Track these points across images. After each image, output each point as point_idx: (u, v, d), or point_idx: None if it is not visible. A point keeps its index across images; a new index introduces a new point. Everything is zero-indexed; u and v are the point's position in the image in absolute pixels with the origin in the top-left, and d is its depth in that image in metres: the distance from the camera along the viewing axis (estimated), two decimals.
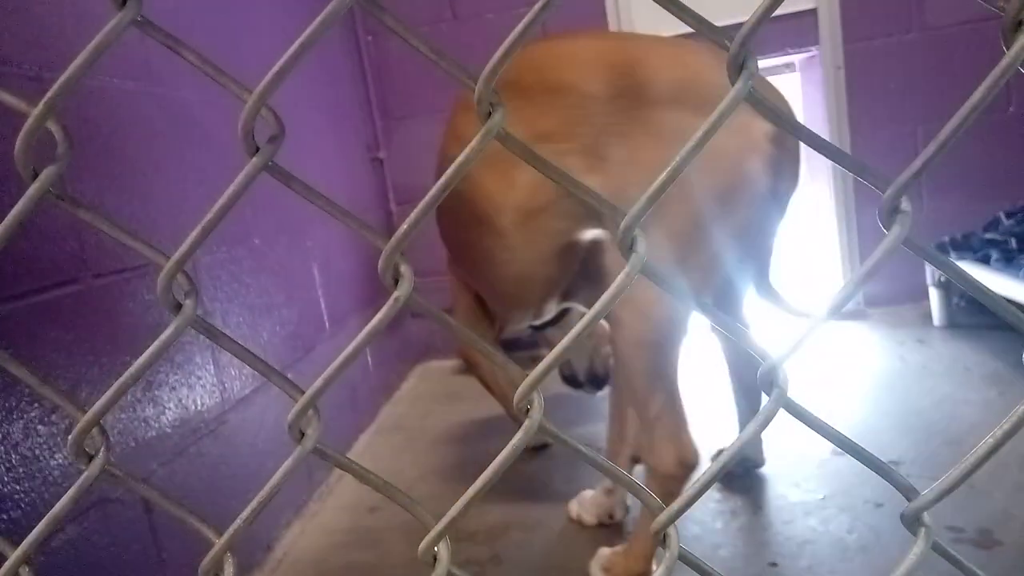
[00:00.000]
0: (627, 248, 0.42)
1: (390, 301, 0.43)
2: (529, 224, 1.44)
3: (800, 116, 3.30)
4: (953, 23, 2.81)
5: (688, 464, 1.41)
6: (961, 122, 0.37)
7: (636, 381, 1.40)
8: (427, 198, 0.42)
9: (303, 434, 0.46)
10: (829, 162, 3.05)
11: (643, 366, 1.39)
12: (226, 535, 0.48)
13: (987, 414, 2.04)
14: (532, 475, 2.08)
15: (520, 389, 0.44)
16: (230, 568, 0.48)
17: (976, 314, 2.73)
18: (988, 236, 2.53)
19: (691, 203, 1.27)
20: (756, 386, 1.58)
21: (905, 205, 0.39)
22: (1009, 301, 2.06)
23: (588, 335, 2.11)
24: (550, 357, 0.43)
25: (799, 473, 1.87)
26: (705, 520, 1.72)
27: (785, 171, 1.40)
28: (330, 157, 2.61)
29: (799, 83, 3.26)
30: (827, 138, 3.01)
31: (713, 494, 1.83)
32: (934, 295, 2.79)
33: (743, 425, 1.92)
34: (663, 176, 0.40)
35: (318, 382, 0.45)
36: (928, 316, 2.86)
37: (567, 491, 1.93)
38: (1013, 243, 2.38)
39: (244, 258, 1.84)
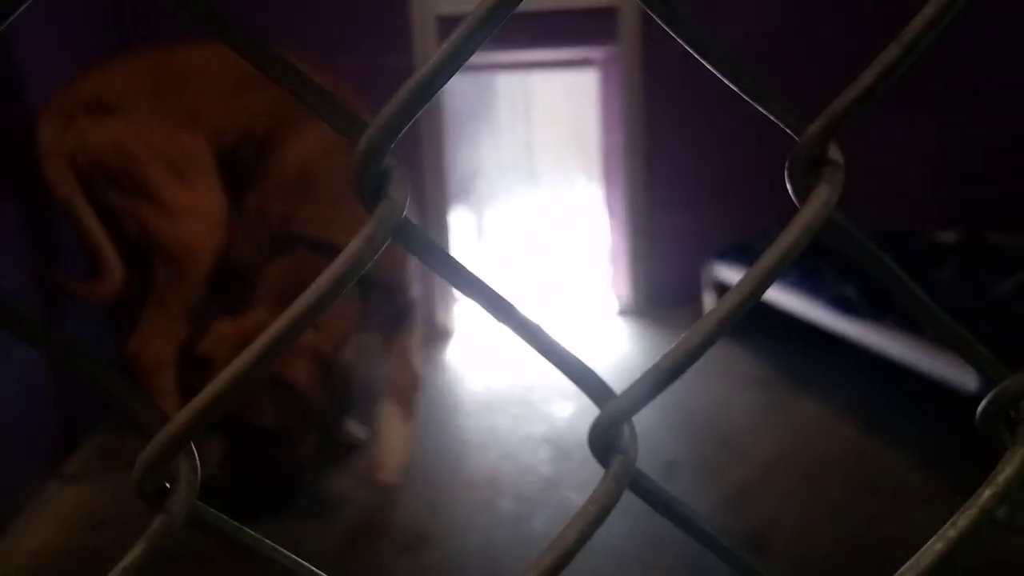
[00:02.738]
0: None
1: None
2: None
3: (597, 113, 3.32)
4: (744, 33, 2.93)
5: None
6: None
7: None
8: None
9: None
10: (622, 163, 3.08)
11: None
12: None
13: (755, 416, 2.13)
14: None
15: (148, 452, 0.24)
16: None
17: (744, 319, 2.89)
18: (762, 245, 2.68)
19: None
20: None
21: (835, 153, 0.27)
22: (774, 307, 2.10)
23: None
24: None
25: (580, 476, 1.82)
26: (486, 527, 1.61)
27: None
28: None
29: (597, 80, 3.26)
30: (624, 137, 3.02)
31: (502, 502, 1.73)
32: (707, 298, 2.92)
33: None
34: None
35: None
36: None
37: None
38: None
39: None
